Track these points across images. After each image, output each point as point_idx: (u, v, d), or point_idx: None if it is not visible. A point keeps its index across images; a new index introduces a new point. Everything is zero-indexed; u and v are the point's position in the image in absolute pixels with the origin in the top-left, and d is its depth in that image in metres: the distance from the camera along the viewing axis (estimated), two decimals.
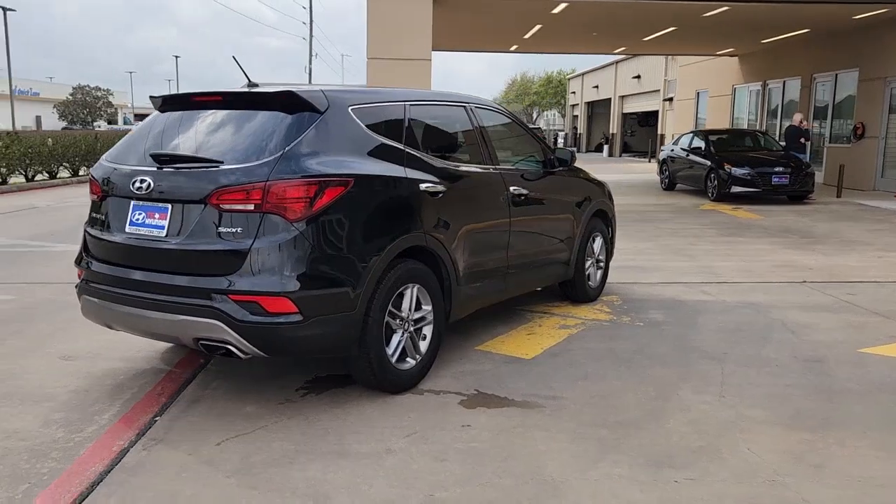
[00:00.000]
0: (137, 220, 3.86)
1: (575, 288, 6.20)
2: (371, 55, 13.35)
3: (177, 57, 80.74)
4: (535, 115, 64.65)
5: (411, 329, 4.21)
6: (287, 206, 3.58)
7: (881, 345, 5.11)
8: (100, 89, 63.55)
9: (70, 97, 62.67)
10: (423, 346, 4.30)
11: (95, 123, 60.49)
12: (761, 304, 6.29)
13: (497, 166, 5.09)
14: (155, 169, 3.83)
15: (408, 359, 4.20)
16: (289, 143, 3.71)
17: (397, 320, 4.10)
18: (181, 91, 5.15)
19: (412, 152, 4.32)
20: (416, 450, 3.41)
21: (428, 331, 4.33)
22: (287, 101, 3.87)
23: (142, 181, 3.80)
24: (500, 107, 5.70)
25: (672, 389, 4.24)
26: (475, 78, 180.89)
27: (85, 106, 62.19)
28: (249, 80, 4.26)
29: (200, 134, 3.98)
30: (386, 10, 13.07)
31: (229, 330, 3.54)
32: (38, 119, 62.19)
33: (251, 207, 3.57)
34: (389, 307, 4.01)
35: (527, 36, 20.21)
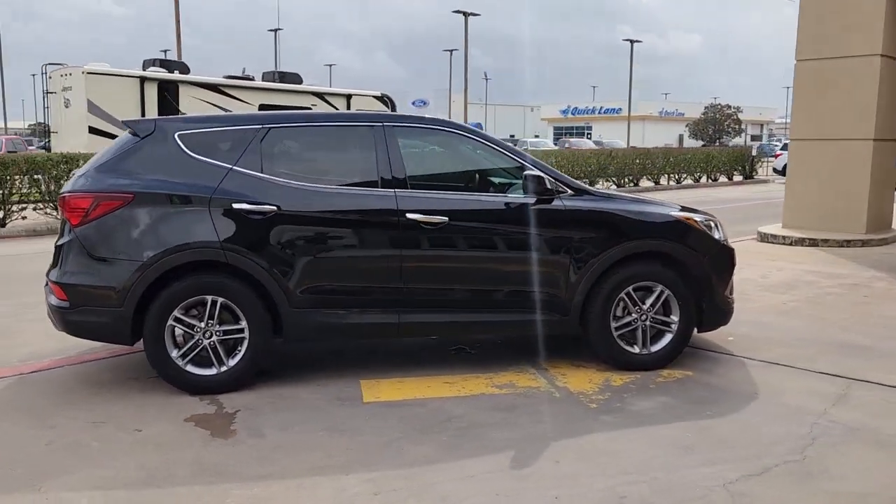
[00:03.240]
0: None
1: (592, 346, 4.89)
2: (802, 56, 11.40)
3: None
4: None
5: (215, 339, 4.43)
6: (71, 215, 4.40)
7: None
8: (729, 107, 65.55)
9: (702, 115, 66.51)
10: (235, 359, 4.45)
11: (725, 140, 62.85)
12: None
13: (402, 189, 4.61)
14: None
15: (212, 367, 4.44)
16: (98, 163, 4.51)
17: (192, 328, 4.40)
18: None
19: (246, 172, 4.48)
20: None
21: (243, 345, 4.45)
22: (129, 127, 4.64)
23: None
24: (458, 128, 4.97)
25: None
26: None
27: (713, 122, 65.11)
28: None
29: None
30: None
31: (48, 309, 4.58)
32: (680, 137, 68.28)
33: (64, 213, 4.52)
34: (176, 314, 4.36)
35: None
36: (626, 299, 4.84)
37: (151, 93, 17.69)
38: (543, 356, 5.16)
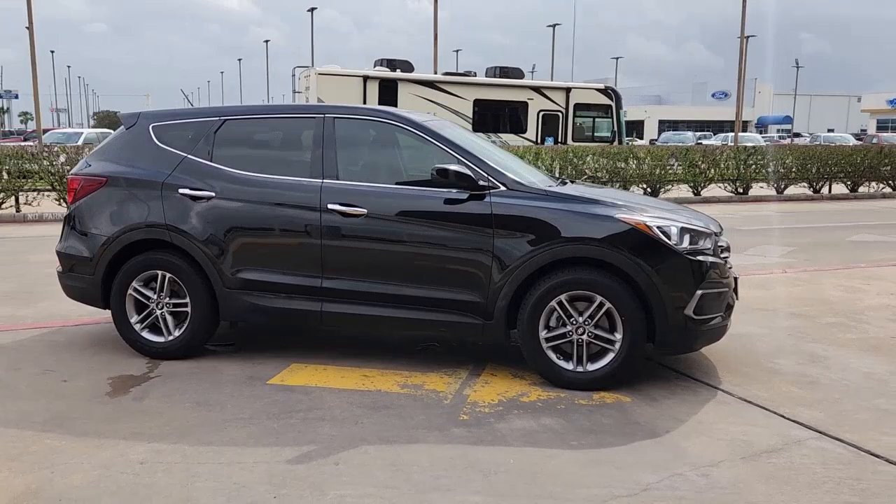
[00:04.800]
0: None
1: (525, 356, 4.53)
2: None
3: None
4: None
5: (165, 311, 4.94)
6: (69, 194, 5.19)
7: None
8: None
9: None
10: (180, 330, 4.92)
11: None
12: None
13: (329, 180, 4.67)
14: None
15: (162, 335, 4.96)
16: (96, 150, 5.24)
17: (148, 299, 4.95)
18: None
19: (197, 160, 4.90)
20: None
21: (187, 319, 4.91)
22: (121, 119, 5.32)
23: None
24: (396, 119, 4.82)
25: None
26: None
27: None
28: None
29: None
30: None
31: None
32: None
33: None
34: (134, 284, 4.94)
35: None
36: (559, 309, 4.38)
37: (373, 90, 19.25)
38: (497, 361, 4.88)
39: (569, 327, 4.39)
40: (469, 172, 4.45)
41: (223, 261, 4.78)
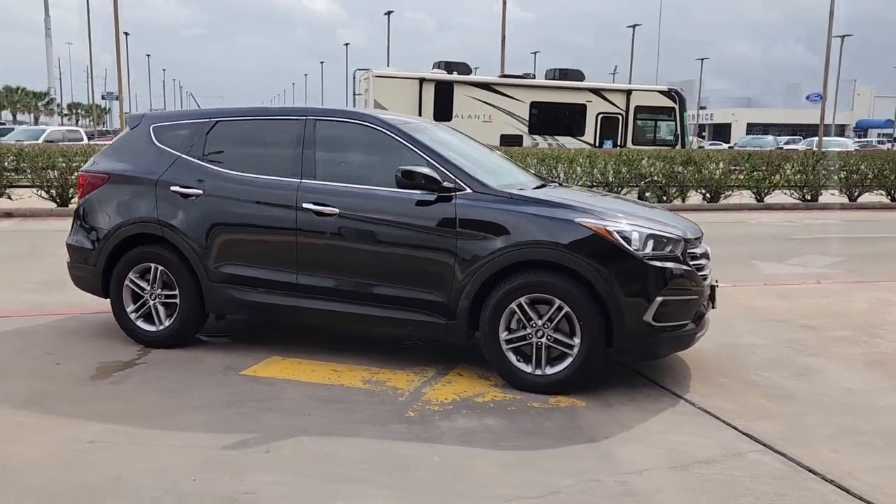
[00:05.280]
0: None
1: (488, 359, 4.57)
2: None
3: None
4: None
5: (157, 301, 5.22)
6: (79, 189, 5.55)
7: None
8: None
9: None
10: (170, 320, 5.19)
11: None
12: None
13: (307, 180, 4.84)
14: None
15: (154, 324, 5.24)
16: (104, 149, 5.58)
17: (143, 290, 5.24)
18: None
19: (191, 160, 5.16)
20: None
21: (176, 310, 5.17)
22: (128, 121, 5.64)
23: None
24: (371, 121, 4.95)
25: None
26: None
27: None
28: None
29: None
30: None
31: None
32: None
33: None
34: (131, 276, 5.24)
35: None
36: (519, 311, 4.40)
37: (429, 92, 19.44)
38: (470, 362, 4.94)
39: (528, 330, 4.41)
40: (434, 175, 4.53)
41: (208, 255, 5.01)
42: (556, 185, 5.50)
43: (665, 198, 16.08)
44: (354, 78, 21.78)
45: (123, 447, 3.61)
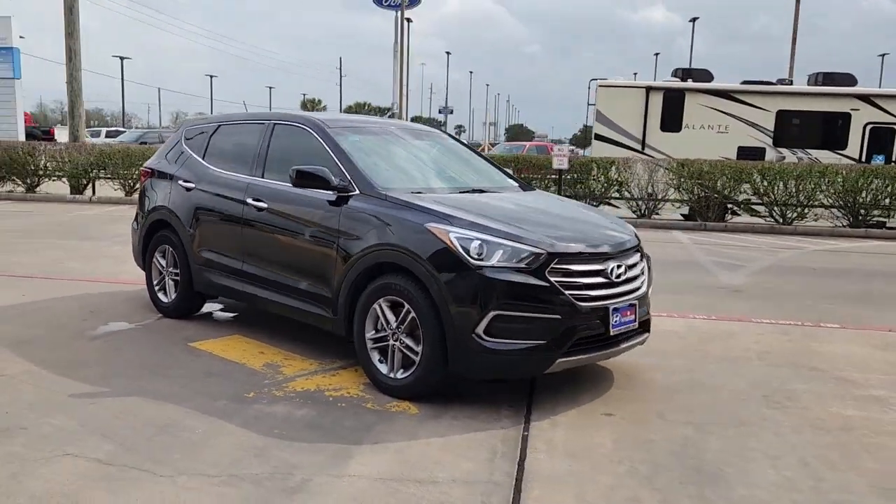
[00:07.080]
0: None
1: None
2: None
3: None
4: None
5: (168, 278, 6.16)
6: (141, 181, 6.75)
7: None
8: None
9: None
10: (173, 295, 6.11)
11: None
12: None
13: (256, 178, 5.37)
14: None
15: (167, 297, 6.20)
16: (160, 149, 6.71)
17: (162, 266, 6.23)
18: None
19: (196, 158, 6.02)
20: None
21: (178, 286, 6.08)
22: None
23: None
24: (308, 125, 5.27)
25: None
26: None
27: None
28: None
29: None
30: None
31: None
32: None
33: None
34: (156, 254, 6.28)
35: None
36: (380, 312, 4.44)
37: (656, 101, 18.34)
38: None
39: (387, 332, 4.41)
40: (324, 175, 4.73)
41: (194, 241, 5.81)
42: (537, 190, 5.28)
43: None
44: (589, 88, 21.46)
45: (21, 382, 4.45)
